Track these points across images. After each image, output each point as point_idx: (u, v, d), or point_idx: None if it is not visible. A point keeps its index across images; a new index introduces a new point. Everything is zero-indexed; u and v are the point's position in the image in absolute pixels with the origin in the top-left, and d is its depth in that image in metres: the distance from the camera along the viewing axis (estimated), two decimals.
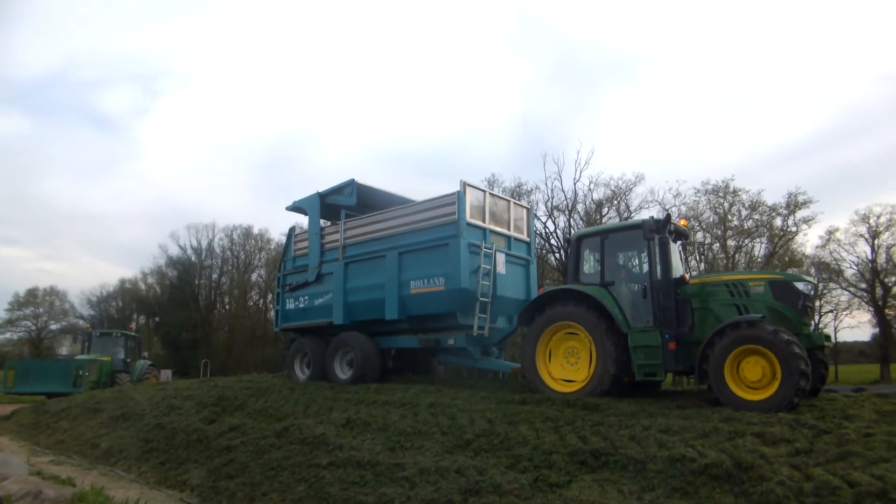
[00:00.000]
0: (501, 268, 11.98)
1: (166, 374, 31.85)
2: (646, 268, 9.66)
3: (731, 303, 8.86)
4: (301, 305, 14.14)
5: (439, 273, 11.49)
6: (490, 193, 12.44)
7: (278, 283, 15.25)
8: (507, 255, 12.29)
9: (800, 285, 8.78)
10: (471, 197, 11.72)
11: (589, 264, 10.37)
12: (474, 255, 11.43)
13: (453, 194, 11.57)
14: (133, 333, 27.31)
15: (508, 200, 13.14)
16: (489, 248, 11.67)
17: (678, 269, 9.81)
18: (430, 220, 11.95)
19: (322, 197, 14.01)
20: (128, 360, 24.85)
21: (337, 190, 13.82)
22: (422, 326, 12.55)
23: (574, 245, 10.52)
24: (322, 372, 13.11)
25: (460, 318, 11.51)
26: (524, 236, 13.17)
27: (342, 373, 12.85)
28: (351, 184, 13.52)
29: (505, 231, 12.53)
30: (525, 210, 13.56)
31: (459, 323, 11.57)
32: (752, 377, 7.94)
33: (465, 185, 11.58)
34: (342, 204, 13.66)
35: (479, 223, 11.85)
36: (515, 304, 12.40)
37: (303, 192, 14.39)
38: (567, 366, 9.92)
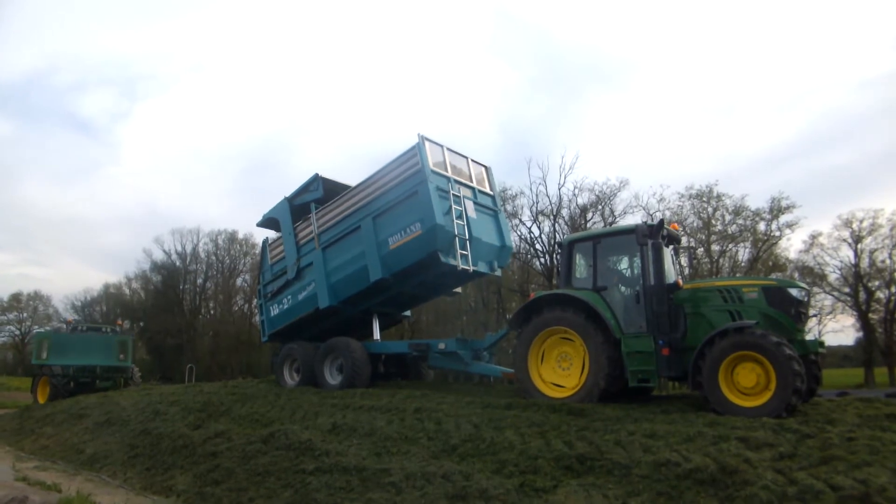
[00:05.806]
0: (472, 212, 12.17)
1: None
2: (638, 272, 9.63)
3: (725, 308, 8.82)
4: (285, 306, 14.10)
5: (414, 220, 11.65)
6: (448, 149, 12.54)
7: (259, 294, 15.26)
8: (474, 202, 12.48)
9: (793, 291, 8.75)
10: (431, 151, 11.93)
11: (581, 269, 10.31)
12: (444, 200, 11.66)
13: (414, 147, 11.85)
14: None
15: (466, 157, 13.16)
16: (457, 194, 11.88)
17: (671, 274, 9.77)
18: (396, 177, 12.14)
19: (290, 200, 14.19)
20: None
21: (303, 189, 14.03)
22: (406, 284, 12.64)
23: (566, 249, 10.44)
24: (311, 378, 13.03)
25: (442, 257, 11.56)
26: (487, 190, 13.32)
27: (332, 378, 12.80)
28: (316, 179, 13.77)
29: (468, 183, 12.73)
30: (483, 168, 13.61)
31: (442, 263, 11.57)
32: (747, 384, 7.93)
33: (422, 138, 11.80)
34: (311, 199, 13.81)
35: (443, 172, 12.04)
36: (492, 250, 12.73)
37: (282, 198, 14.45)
38: (559, 370, 9.86)
